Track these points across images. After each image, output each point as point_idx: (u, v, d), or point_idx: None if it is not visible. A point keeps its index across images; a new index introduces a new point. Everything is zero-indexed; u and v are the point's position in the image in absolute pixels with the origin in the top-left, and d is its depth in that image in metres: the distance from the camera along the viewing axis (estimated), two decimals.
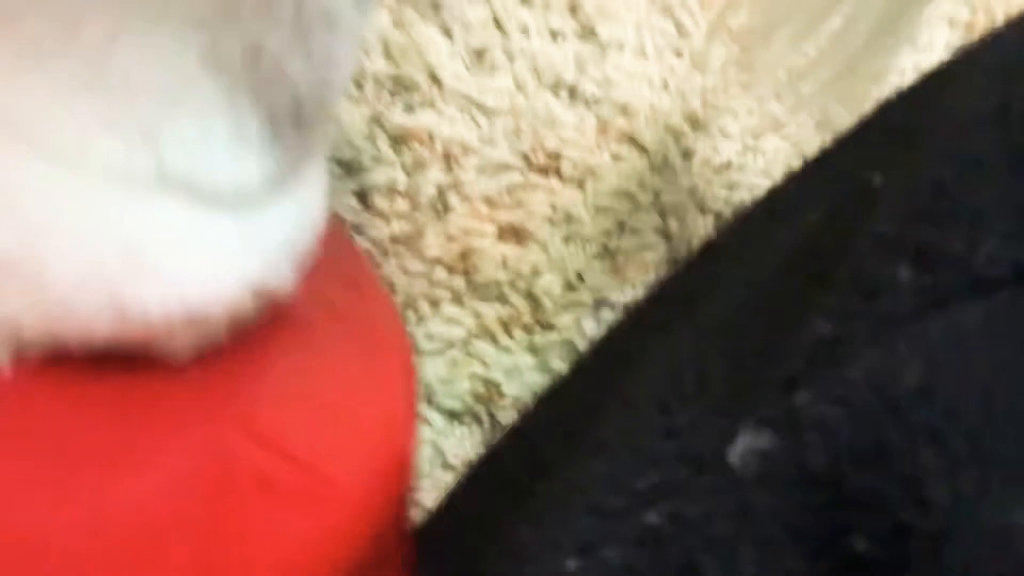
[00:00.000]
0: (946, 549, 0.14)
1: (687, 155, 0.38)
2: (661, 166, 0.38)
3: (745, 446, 0.17)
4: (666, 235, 0.37)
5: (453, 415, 0.35)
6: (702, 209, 0.37)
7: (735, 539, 0.16)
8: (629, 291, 0.36)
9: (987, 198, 0.17)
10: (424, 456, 0.34)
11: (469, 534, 0.23)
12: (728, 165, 0.38)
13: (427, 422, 0.34)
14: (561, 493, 0.20)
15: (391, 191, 0.36)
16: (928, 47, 0.40)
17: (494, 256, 0.36)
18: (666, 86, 0.39)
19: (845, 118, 0.34)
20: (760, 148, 0.38)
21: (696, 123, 0.38)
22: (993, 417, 0.15)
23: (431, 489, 0.32)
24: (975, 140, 0.18)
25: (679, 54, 0.39)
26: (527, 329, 0.36)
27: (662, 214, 0.37)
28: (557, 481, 0.20)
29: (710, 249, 0.26)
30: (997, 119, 0.17)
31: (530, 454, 0.24)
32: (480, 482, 0.26)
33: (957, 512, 0.14)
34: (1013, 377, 0.15)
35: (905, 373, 0.16)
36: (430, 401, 0.35)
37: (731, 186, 0.38)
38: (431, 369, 0.35)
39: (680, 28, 0.39)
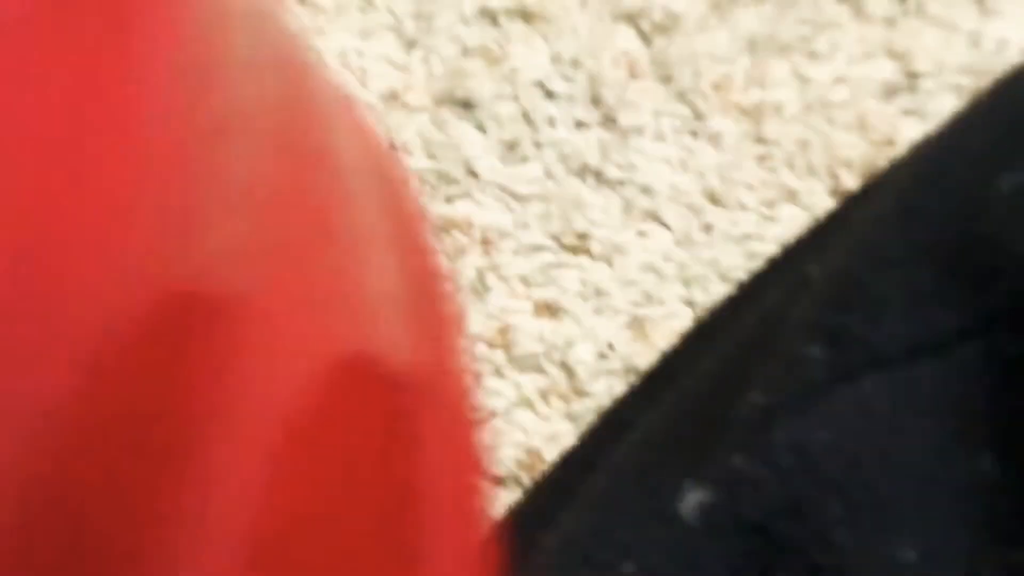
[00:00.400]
0: None
1: (707, 229, 0.42)
2: (683, 240, 0.42)
3: (693, 500, 0.20)
4: (691, 304, 0.41)
5: (497, 481, 0.39)
6: (724, 278, 0.41)
7: None
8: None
9: (888, 286, 0.20)
10: None
11: None
12: (747, 236, 0.42)
13: None
14: (560, 544, 0.24)
15: None
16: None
17: (531, 331, 0.41)
18: (685, 165, 0.43)
19: (855, 183, 0.38)
20: (776, 217, 0.42)
21: (714, 198, 0.42)
22: (889, 471, 0.19)
23: None
24: (882, 236, 0.21)
25: (695, 134, 0.43)
26: (564, 398, 0.40)
27: (686, 284, 0.41)
28: (557, 533, 0.24)
29: (698, 328, 0.30)
30: (901, 218, 0.21)
31: (538, 509, 0.28)
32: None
33: (856, 552, 0.18)
34: (907, 436, 0.19)
35: (817, 435, 0.20)
36: None
37: (750, 255, 0.41)
38: None
39: (695, 110, 0.43)
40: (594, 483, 0.26)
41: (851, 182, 0.42)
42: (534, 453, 0.39)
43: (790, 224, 0.42)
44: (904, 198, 0.22)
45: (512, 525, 0.33)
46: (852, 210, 0.28)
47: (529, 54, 0.44)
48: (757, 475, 0.20)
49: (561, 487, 0.30)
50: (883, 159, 0.43)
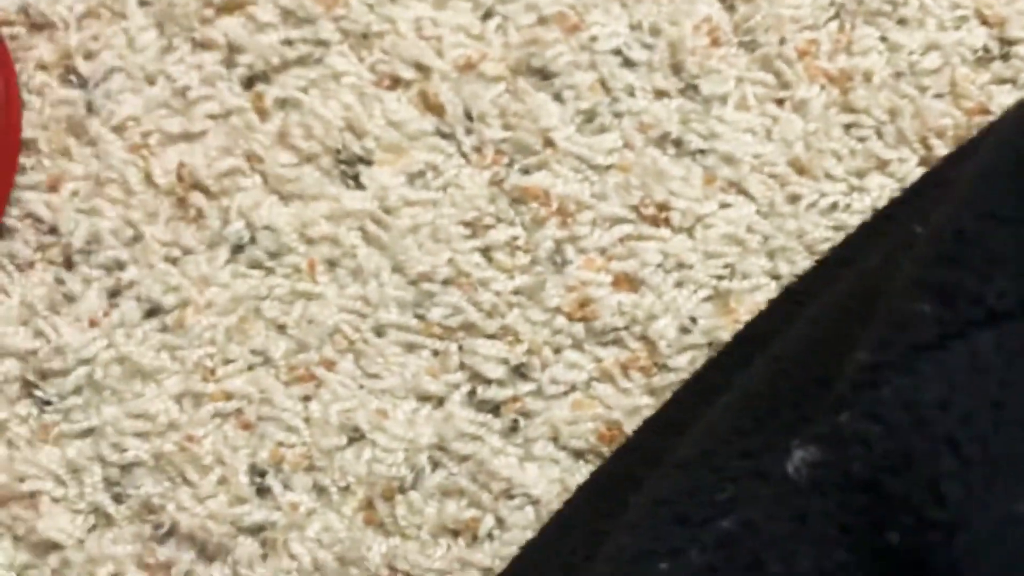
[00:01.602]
0: (959, 537, 0.19)
1: (793, 199, 0.43)
2: (768, 211, 0.43)
3: (800, 459, 0.22)
4: (775, 276, 0.42)
5: (578, 454, 0.40)
6: (810, 251, 0.42)
7: (794, 538, 0.21)
8: None
9: (999, 242, 0.21)
10: (552, 493, 0.39)
11: (569, 541, 0.29)
12: (834, 206, 0.42)
13: (554, 461, 0.40)
14: (652, 506, 0.25)
15: (512, 247, 0.43)
16: None
17: (610, 303, 0.42)
18: (769, 134, 0.44)
19: (945, 151, 0.39)
20: (865, 187, 0.42)
21: (800, 168, 0.43)
22: (1001, 424, 0.20)
23: None
24: (992, 191, 0.22)
25: (780, 103, 0.44)
26: (644, 371, 0.41)
27: (771, 257, 0.42)
28: (648, 494, 0.25)
29: (788, 293, 0.31)
30: (1011, 172, 0.22)
31: (627, 471, 0.30)
32: (581, 495, 0.31)
33: (968, 506, 0.19)
34: (1019, 391, 0.20)
35: (928, 391, 0.21)
36: (556, 441, 0.40)
37: (838, 227, 0.42)
38: (557, 411, 0.41)
39: (779, 77, 0.44)
40: (685, 446, 0.27)
41: (943, 151, 0.42)
42: (615, 427, 0.40)
43: (879, 194, 0.42)
44: (1014, 152, 0.23)
45: (594, 490, 0.34)
46: (950, 171, 0.28)
47: (607, 21, 0.45)
48: (866, 432, 0.21)
49: (648, 450, 0.31)
50: (976, 128, 0.43)
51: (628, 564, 0.24)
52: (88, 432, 0.41)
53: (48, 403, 0.41)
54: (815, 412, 0.23)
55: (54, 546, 0.39)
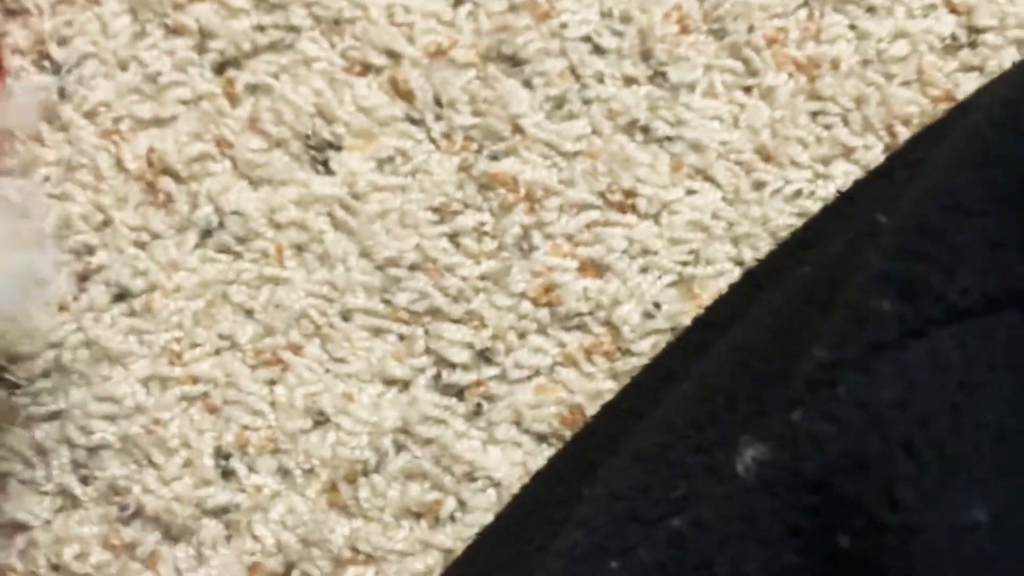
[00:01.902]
0: (915, 543, 0.17)
1: (758, 186, 0.41)
2: (733, 198, 0.41)
3: (750, 457, 0.19)
4: (739, 263, 0.40)
5: (541, 437, 0.38)
6: (774, 237, 0.40)
7: (743, 538, 0.19)
8: None
9: (965, 235, 0.19)
10: (514, 476, 0.37)
11: (526, 528, 0.27)
12: (799, 193, 0.40)
13: (517, 444, 0.38)
14: (607, 500, 0.23)
15: (479, 233, 0.40)
16: None
17: (576, 289, 0.40)
18: (736, 122, 0.41)
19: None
20: (830, 174, 0.40)
21: (766, 155, 0.41)
22: (959, 428, 0.17)
23: None
24: (959, 182, 0.20)
25: (747, 90, 0.41)
26: (608, 356, 0.39)
27: (735, 243, 0.40)
28: (603, 487, 0.23)
29: (749, 276, 0.28)
30: (980, 163, 0.20)
31: (584, 456, 0.28)
32: (539, 480, 0.29)
33: (923, 511, 0.17)
34: (979, 393, 0.18)
35: (885, 391, 0.18)
36: (519, 424, 0.38)
37: (802, 213, 0.40)
38: (520, 395, 0.38)
39: (748, 65, 0.41)
40: (640, 436, 0.25)
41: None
42: (577, 411, 0.38)
43: (844, 181, 0.40)
44: (982, 144, 0.21)
45: (552, 475, 0.32)
46: (915, 154, 0.26)
47: (578, 9, 0.42)
48: (819, 431, 0.19)
49: (606, 436, 0.29)
50: (941, 115, 0.41)
51: (579, 561, 0.22)
52: (56, 415, 0.38)
53: (17, 386, 0.39)
54: (771, 407, 0.20)
55: (21, 527, 0.37)
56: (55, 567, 0.36)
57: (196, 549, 0.37)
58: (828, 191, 0.40)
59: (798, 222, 0.40)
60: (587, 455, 0.27)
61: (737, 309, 0.28)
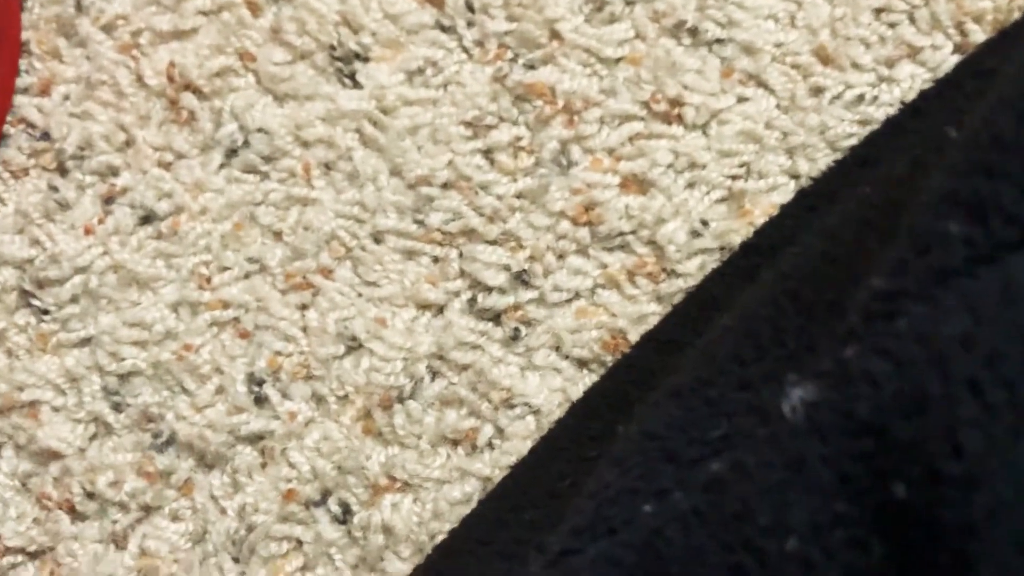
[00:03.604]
0: (978, 495, 0.15)
1: (816, 91, 0.38)
2: (789, 105, 0.38)
3: (798, 398, 0.18)
4: (794, 175, 0.37)
5: (582, 363, 0.37)
6: (833, 147, 0.37)
7: (788, 486, 0.18)
8: None
9: None
10: (553, 403, 0.36)
11: (559, 464, 0.26)
12: (860, 99, 0.37)
13: (556, 370, 0.37)
14: (641, 439, 0.22)
15: (515, 148, 0.39)
16: None
17: (617, 207, 0.38)
18: (792, 21, 0.39)
19: (982, 37, 0.33)
20: (894, 78, 0.37)
21: (825, 57, 0.38)
22: None
23: None
24: None
25: None
26: (652, 277, 0.37)
27: (790, 154, 0.38)
28: (638, 425, 0.22)
29: (802, 197, 0.26)
30: None
31: (621, 390, 0.26)
32: (573, 414, 0.28)
33: (989, 460, 0.15)
34: None
35: (949, 325, 0.17)
36: (558, 350, 0.37)
37: (864, 121, 0.37)
38: (559, 319, 0.37)
39: None
40: (680, 370, 0.24)
41: (980, 38, 0.37)
42: (619, 335, 0.37)
43: (910, 85, 0.37)
44: None
45: (587, 409, 0.31)
46: (989, 61, 0.24)
47: None
48: (875, 369, 0.17)
49: (644, 369, 0.28)
50: (1018, 12, 0.38)
51: (611, 503, 0.21)
52: (86, 341, 0.38)
53: (46, 312, 0.38)
54: (822, 342, 0.19)
55: (55, 455, 0.37)
56: (90, 495, 0.37)
57: (231, 476, 0.37)
58: (892, 96, 0.37)
59: (859, 131, 0.37)
60: (624, 389, 0.26)
61: (788, 233, 0.26)
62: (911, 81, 0.37)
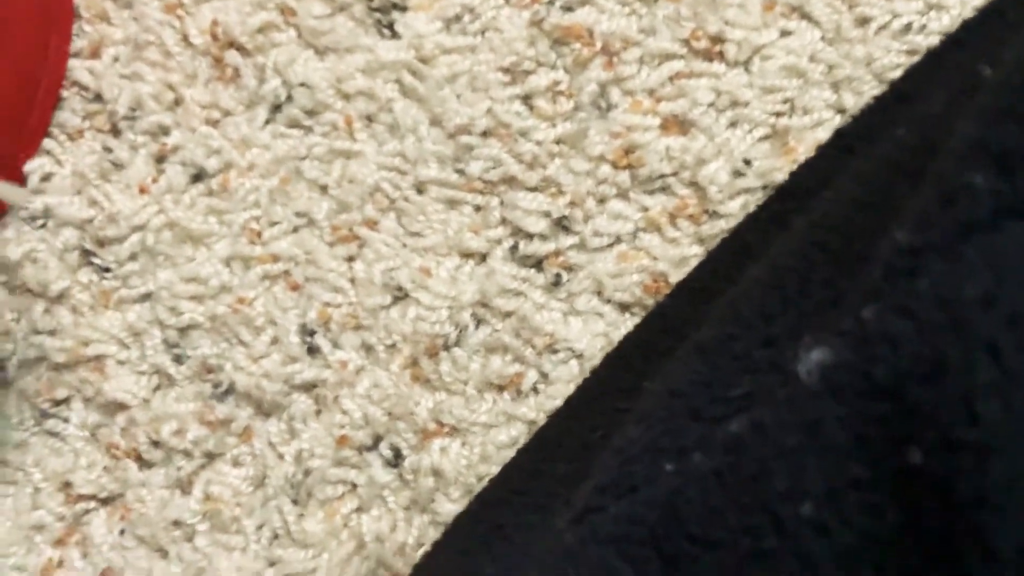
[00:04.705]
0: (993, 465, 0.14)
1: (862, 22, 0.36)
2: (834, 37, 0.36)
3: (814, 359, 0.17)
4: (840, 110, 0.36)
5: (624, 307, 0.36)
6: (879, 79, 0.36)
7: (804, 448, 0.17)
8: None
9: None
10: (596, 347, 0.36)
11: (592, 416, 0.26)
12: (908, 28, 0.35)
13: (598, 315, 0.36)
14: (666, 395, 0.21)
15: (553, 93, 0.38)
16: None
17: (658, 148, 0.37)
18: None
19: None
20: (944, 4, 0.35)
21: None
22: None
23: None
24: None
25: None
26: (693, 219, 0.36)
27: (835, 88, 0.36)
28: (663, 381, 0.21)
29: (839, 137, 0.25)
30: None
31: (652, 340, 0.26)
32: (607, 365, 0.28)
33: (1007, 427, 0.15)
34: None
35: (971, 284, 0.16)
36: (600, 294, 0.36)
37: (912, 51, 0.35)
38: (601, 264, 0.37)
39: None
40: (710, 323, 0.23)
41: None
42: (661, 278, 0.36)
43: (960, 12, 0.35)
44: None
45: (619, 360, 0.30)
46: None
47: None
48: (894, 330, 0.17)
49: (675, 318, 0.27)
50: None
51: (634, 460, 0.20)
52: (146, 297, 0.39)
53: (107, 270, 0.39)
54: (846, 297, 0.18)
55: (121, 406, 0.38)
56: (155, 443, 0.38)
57: (287, 423, 0.38)
58: (941, 24, 0.35)
59: (907, 61, 0.36)
60: (656, 339, 0.25)
61: (823, 176, 0.24)
62: (961, 8, 0.35)
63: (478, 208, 0.38)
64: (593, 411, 0.27)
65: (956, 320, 0.16)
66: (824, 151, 0.26)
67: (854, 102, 0.36)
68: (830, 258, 0.20)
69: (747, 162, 0.36)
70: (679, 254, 0.36)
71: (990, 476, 0.14)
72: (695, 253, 0.36)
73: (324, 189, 0.38)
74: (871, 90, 0.36)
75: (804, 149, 0.36)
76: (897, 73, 0.36)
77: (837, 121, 0.36)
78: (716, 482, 0.18)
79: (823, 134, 0.36)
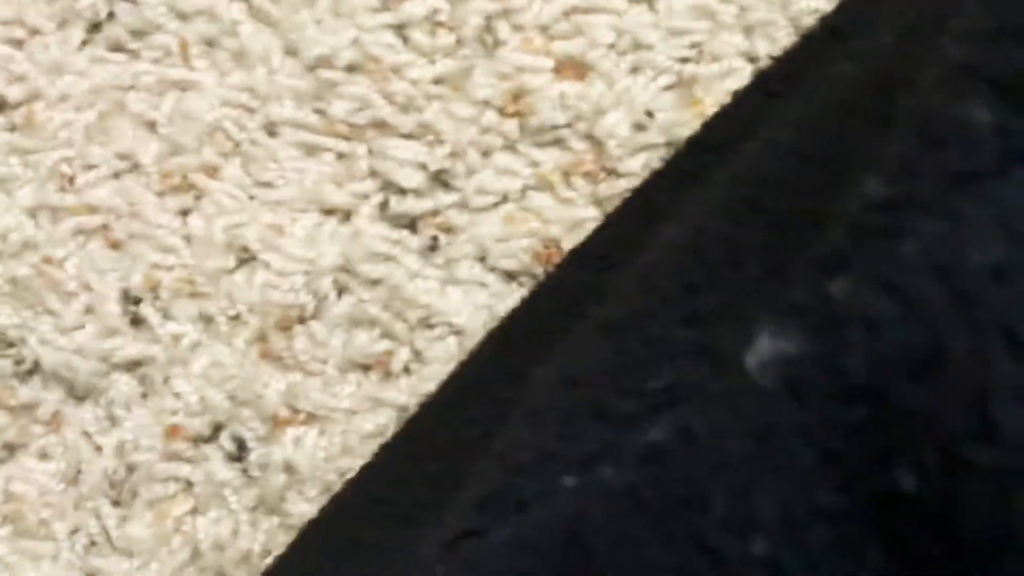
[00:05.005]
0: (1018, 493, 0.11)
1: None
2: None
3: (767, 348, 0.13)
4: (752, 58, 0.32)
5: (510, 276, 0.32)
6: (795, 25, 0.32)
7: (753, 464, 0.13)
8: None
9: None
10: (478, 322, 0.31)
11: (470, 407, 0.21)
12: None
13: (481, 285, 0.32)
14: (562, 385, 0.17)
15: (433, 24, 0.33)
16: None
17: (551, 95, 0.32)
18: None
19: None
20: None
21: None
22: None
23: None
24: None
25: None
26: (590, 177, 0.32)
27: (747, 33, 0.32)
28: (558, 366, 0.17)
29: (763, 80, 0.21)
30: None
31: (545, 315, 0.21)
32: (488, 346, 0.23)
33: None
34: None
35: (975, 248, 0.12)
36: (484, 261, 0.32)
37: None
38: (484, 226, 0.32)
39: None
40: (615, 297, 0.19)
41: None
42: (553, 244, 0.32)
43: None
44: None
45: (503, 339, 0.26)
46: None
47: None
48: (872, 309, 0.13)
49: (569, 294, 0.23)
50: None
51: (522, 470, 0.16)
52: None
53: None
54: (796, 269, 0.14)
55: None
56: None
57: (106, 409, 0.32)
58: None
59: (827, 6, 0.32)
60: (547, 316, 0.21)
61: (745, 125, 0.20)
62: None
63: (341, 156, 0.33)
64: (471, 401, 0.22)
65: (958, 296, 0.12)
66: (744, 97, 0.22)
67: (768, 49, 0.32)
68: (765, 219, 0.16)
69: (650, 114, 0.32)
70: (574, 216, 0.32)
71: (1015, 512, 0.11)
72: (592, 216, 0.32)
73: (152, 127, 0.33)
74: (787, 37, 0.32)
75: (712, 101, 0.32)
76: (814, 19, 0.32)
77: (748, 71, 0.32)
78: (632, 504, 0.14)
79: (733, 84, 0.32)
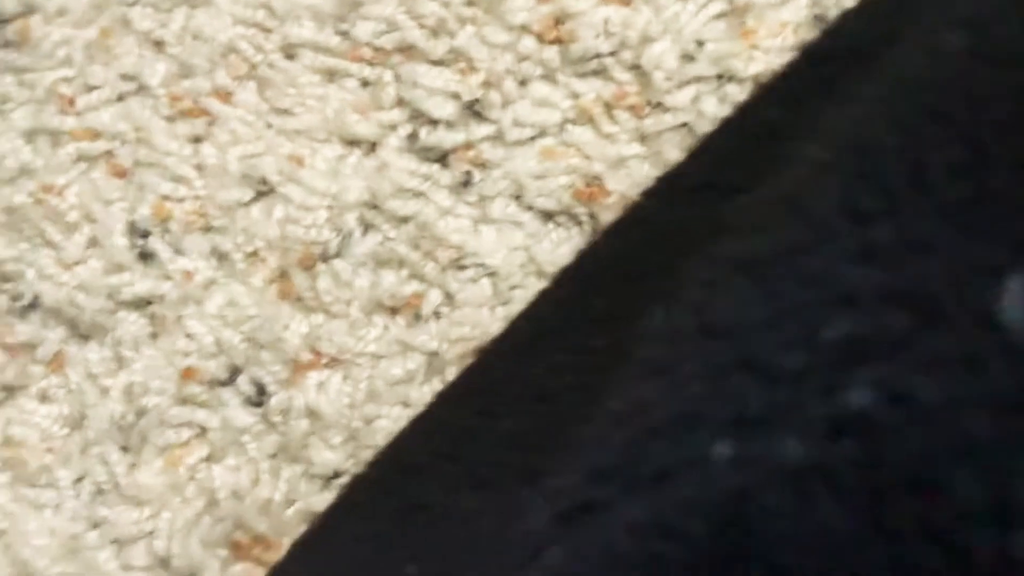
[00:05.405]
0: None
1: None
2: None
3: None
4: None
5: (547, 216, 0.28)
6: None
7: (1006, 442, 0.09)
8: (762, 60, 0.28)
9: None
10: (513, 264, 0.27)
11: (548, 349, 0.17)
12: None
13: (516, 224, 0.28)
14: (701, 336, 0.13)
15: None
16: None
17: (594, 21, 0.28)
18: None
19: None
20: None
21: None
22: None
23: (524, 302, 0.27)
24: None
25: None
26: (635, 111, 0.28)
27: None
28: (686, 312, 0.13)
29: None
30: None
31: (636, 257, 0.17)
32: (567, 279, 0.19)
33: None
34: None
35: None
36: (519, 199, 0.28)
37: None
38: (520, 162, 0.28)
39: None
40: (748, 230, 0.15)
41: None
42: (594, 182, 0.28)
43: None
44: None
45: (591, 272, 0.22)
46: None
47: None
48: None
49: (673, 224, 0.19)
50: None
51: (654, 433, 0.12)
52: None
53: None
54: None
55: None
56: None
57: (113, 350, 0.28)
58: None
59: None
60: (640, 256, 0.17)
61: (886, 27, 0.16)
62: None
63: (366, 83, 0.28)
64: (552, 348, 0.18)
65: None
66: (849, 14, 0.18)
67: None
68: (955, 130, 0.13)
69: (699, 43, 0.28)
70: (617, 153, 0.28)
71: None
72: (635, 153, 0.28)
73: (160, 46, 0.28)
74: None
75: (765, 32, 0.28)
76: None
77: (805, 3, 0.28)
78: (822, 485, 0.10)
79: (788, 15, 0.28)
